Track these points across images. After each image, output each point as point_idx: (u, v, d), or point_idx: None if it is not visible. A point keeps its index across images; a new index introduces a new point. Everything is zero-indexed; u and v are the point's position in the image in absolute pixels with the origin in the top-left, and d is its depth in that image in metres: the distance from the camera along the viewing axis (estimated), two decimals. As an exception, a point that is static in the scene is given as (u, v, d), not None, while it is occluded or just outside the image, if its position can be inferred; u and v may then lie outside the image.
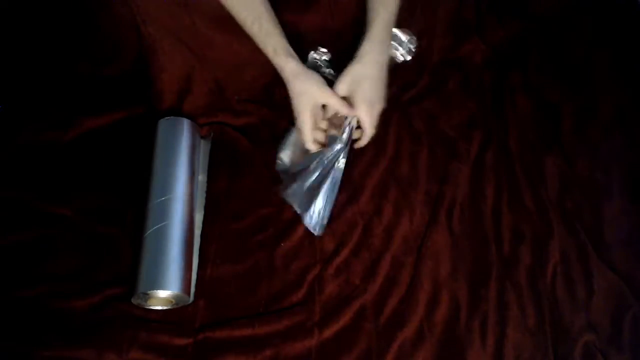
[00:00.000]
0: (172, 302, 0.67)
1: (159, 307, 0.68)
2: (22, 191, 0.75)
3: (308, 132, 0.74)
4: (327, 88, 0.74)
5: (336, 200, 0.75)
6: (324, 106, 0.76)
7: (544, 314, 0.68)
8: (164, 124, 0.79)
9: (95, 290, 0.67)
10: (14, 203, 0.74)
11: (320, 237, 0.73)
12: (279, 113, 0.84)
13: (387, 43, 0.78)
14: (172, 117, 0.79)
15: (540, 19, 0.93)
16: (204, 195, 0.77)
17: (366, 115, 0.73)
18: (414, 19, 0.90)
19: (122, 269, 0.70)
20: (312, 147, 0.74)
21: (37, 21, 0.90)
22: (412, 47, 0.86)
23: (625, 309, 0.69)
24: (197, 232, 0.73)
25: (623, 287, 0.70)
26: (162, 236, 0.69)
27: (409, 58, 0.87)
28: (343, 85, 0.74)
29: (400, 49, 0.86)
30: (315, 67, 0.85)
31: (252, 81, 0.85)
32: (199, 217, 0.74)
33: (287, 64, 0.74)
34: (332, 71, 0.83)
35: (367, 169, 0.80)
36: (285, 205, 0.76)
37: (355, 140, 0.77)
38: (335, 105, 0.74)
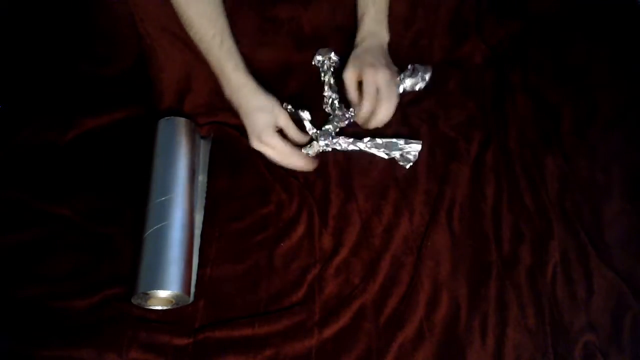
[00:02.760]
0: (172, 302, 0.67)
1: (159, 307, 0.68)
2: (21, 191, 0.75)
3: (281, 145, 0.74)
4: (286, 112, 0.76)
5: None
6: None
7: (544, 314, 0.68)
8: (163, 124, 0.78)
9: (95, 290, 0.67)
10: (14, 203, 0.74)
11: (319, 237, 0.73)
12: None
13: (382, 30, 0.80)
14: (171, 117, 0.79)
15: (540, 18, 0.93)
16: (204, 195, 0.77)
17: (375, 77, 0.74)
18: (414, 18, 0.90)
19: (122, 269, 0.70)
20: (291, 161, 0.75)
21: (36, 21, 0.90)
22: (427, 75, 0.85)
23: (625, 309, 0.69)
24: (197, 232, 0.73)
25: (623, 287, 0.70)
26: (162, 236, 0.69)
27: (417, 88, 0.86)
28: (349, 72, 0.74)
29: (412, 78, 0.85)
30: (320, 69, 0.85)
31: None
32: (199, 218, 0.74)
33: (248, 81, 0.75)
34: (331, 79, 0.83)
35: (367, 168, 0.80)
36: (285, 205, 0.76)
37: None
38: (293, 132, 0.75)
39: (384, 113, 0.77)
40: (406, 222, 0.75)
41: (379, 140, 0.79)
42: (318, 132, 0.79)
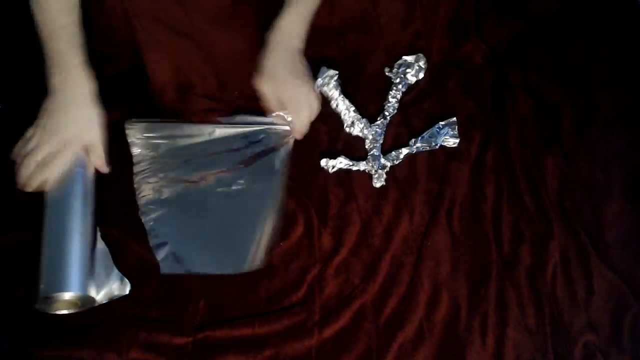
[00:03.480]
0: (77, 304, 0.66)
1: (64, 311, 0.66)
2: (21, 191, 0.75)
3: (58, 170, 0.68)
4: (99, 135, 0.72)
5: None
6: None
7: (544, 314, 0.68)
8: None
9: (95, 290, 0.67)
10: (14, 203, 0.74)
11: (319, 237, 0.73)
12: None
13: (299, 33, 0.78)
14: None
15: (540, 18, 0.93)
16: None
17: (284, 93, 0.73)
18: (414, 18, 0.90)
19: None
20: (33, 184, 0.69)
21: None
22: (421, 63, 0.87)
23: (625, 309, 0.69)
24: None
25: (623, 287, 0.70)
26: (56, 237, 0.67)
27: (421, 76, 0.87)
28: (263, 86, 0.74)
29: (409, 70, 0.86)
30: (328, 93, 0.84)
31: (251, 75, 0.85)
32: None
33: (81, 73, 0.71)
34: (345, 100, 0.83)
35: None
36: (284, 203, 0.76)
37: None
38: (101, 158, 0.72)
39: (301, 120, 0.76)
40: (406, 222, 0.75)
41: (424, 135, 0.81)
42: (373, 165, 0.79)
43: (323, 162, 0.79)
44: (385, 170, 0.78)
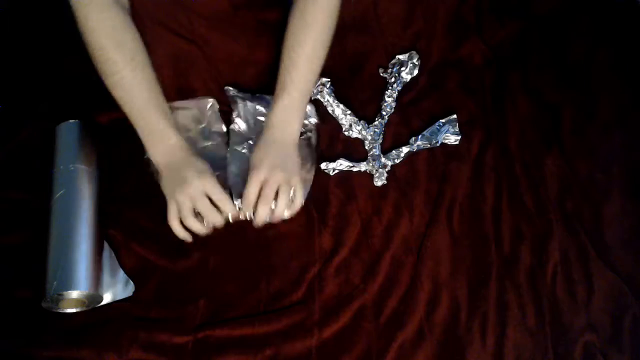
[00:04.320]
0: (84, 302, 0.66)
1: (72, 310, 0.67)
2: (22, 191, 0.75)
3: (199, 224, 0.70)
4: (213, 176, 0.72)
5: None
6: None
7: (544, 314, 0.68)
8: (61, 129, 0.77)
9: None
10: (14, 203, 0.74)
11: (319, 237, 0.73)
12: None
13: (291, 123, 0.75)
14: (67, 121, 0.77)
15: (540, 19, 0.93)
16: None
17: (262, 179, 0.70)
18: (414, 19, 0.90)
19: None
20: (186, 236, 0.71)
21: (36, 21, 0.90)
22: (414, 61, 0.87)
23: (625, 309, 0.69)
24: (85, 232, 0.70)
25: (623, 287, 0.70)
26: (63, 237, 0.68)
27: (416, 72, 0.87)
28: (251, 175, 0.71)
29: (404, 69, 0.87)
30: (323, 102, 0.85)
31: (251, 80, 0.85)
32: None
33: (181, 140, 0.72)
34: (339, 105, 0.84)
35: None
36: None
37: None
38: (224, 200, 0.71)
39: (259, 214, 0.71)
40: (406, 222, 0.75)
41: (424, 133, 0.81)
42: (373, 165, 0.79)
43: (323, 165, 0.79)
44: (387, 170, 0.78)
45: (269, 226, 0.74)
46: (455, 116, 0.82)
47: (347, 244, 0.73)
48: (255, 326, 0.66)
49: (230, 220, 0.72)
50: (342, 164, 0.79)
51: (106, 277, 0.69)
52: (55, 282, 0.64)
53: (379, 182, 0.78)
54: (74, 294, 0.64)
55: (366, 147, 0.81)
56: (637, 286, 0.70)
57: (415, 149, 0.80)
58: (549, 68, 0.89)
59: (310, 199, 0.76)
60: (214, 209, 0.71)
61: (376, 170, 0.78)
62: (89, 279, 0.66)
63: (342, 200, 0.76)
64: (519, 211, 0.76)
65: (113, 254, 0.71)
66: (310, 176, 0.78)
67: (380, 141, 0.81)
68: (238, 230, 0.74)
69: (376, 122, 0.83)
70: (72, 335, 0.65)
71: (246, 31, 0.81)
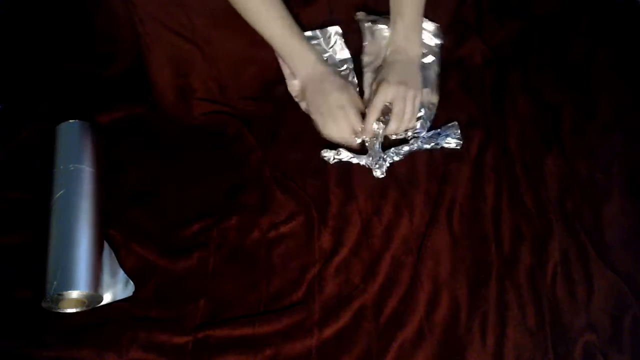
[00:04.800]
0: (84, 302, 0.66)
1: (71, 310, 0.66)
2: (22, 191, 0.75)
3: (361, 121, 0.80)
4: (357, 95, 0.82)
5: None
6: None
7: (544, 314, 0.68)
8: (62, 129, 0.77)
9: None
10: (14, 203, 0.74)
11: (319, 236, 0.73)
12: (280, 110, 0.84)
13: (410, 45, 0.83)
14: (69, 121, 0.77)
15: (540, 19, 0.93)
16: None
17: (389, 95, 0.78)
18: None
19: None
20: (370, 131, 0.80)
21: (36, 21, 0.90)
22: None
23: (625, 309, 0.69)
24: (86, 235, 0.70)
25: (623, 287, 0.70)
26: (64, 237, 0.68)
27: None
28: (377, 94, 0.79)
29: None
30: None
31: (252, 78, 0.85)
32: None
33: (324, 64, 0.81)
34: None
35: (367, 168, 0.80)
36: (283, 204, 0.76)
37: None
38: (369, 115, 0.79)
39: (391, 128, 0.81)
40: (406, 222, 0.75)
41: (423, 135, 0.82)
42: (373, 159, 0.80)
43: (323, 152, 0.79)
44: (387, 162, 0.79)
45: (269, 226, 0.74)
46: (456, 123, 0.82)
47: (347, 244, 0.73)
48: (255, 326, 0.66)
49: (364, 136, 0.80)
50: (342, 154, 0.79)
51: (106, 277, 0.68)
52: (55, 282, 0.64)
53: (378, 172, 0.78)
54: (74, 294, 0.64)
55: (366, 143, 0.81)
56: (637, 286, 0.70)
57: (415, 148, 0.80)
58: (549, 68, 0.89)
59: (310, 199, 0.76)
60: (351, 121, 0.80)
61: (376, 163, 0.78)
62: (89, 279, 0.66)
63: (342, 200, 0.76)
64: (519, 211, 0.76)
65: (113, 254, 0.71)
66: (435, 100, 0.84)
67: (381, 139, 0.81)
68: (238, 231, 0.74)
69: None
70: (72, 335, 0.65)
71: (247, 29, 0.81)
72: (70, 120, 0.77)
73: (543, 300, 0.69)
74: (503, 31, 0.93)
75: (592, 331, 0.67)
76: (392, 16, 0.83)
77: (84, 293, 0.65)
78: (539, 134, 0.83)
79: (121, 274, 0.69)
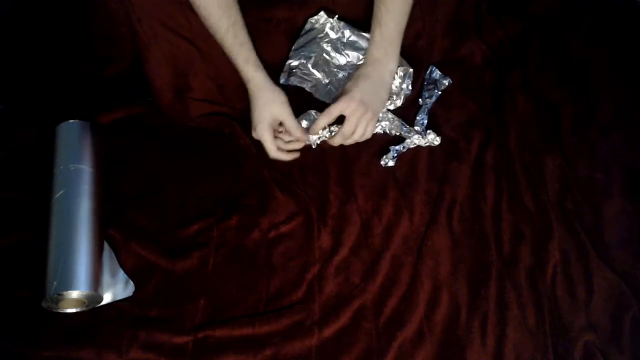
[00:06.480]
0: (84, 302, 0.66)
1: (71, 310, 0.67)
2: (22, 191, 0.75)
3: (269, 141, 0.77)
4: (288, 107, 0.77)
5: None
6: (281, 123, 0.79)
7: (544, 314, 0.68)
8: (62, 129, 0.77)
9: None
10: (14, 203, 0.74)
11: (319, 236, 0.73)
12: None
13: (384, 58, 0.79)
14: (69, 121, 0.77)
15: (540, 19, 0.94)
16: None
17: (348, 110, 0.75)
18: (414, 19, 0.90)
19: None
20: (277, 156, 0.78)
21: (36, 21, 0.90)
22: (401, 73, 0.85)
23: (625, 309, 0.69)
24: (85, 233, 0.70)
25: (623, 287, 0.70)
26: (63, 237, 0.68)
27: (405, 86, 0.86)
28: (339, 104, 0.76)
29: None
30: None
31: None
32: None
33: (256, 76, 0.77)
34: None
35: (367, 168, 0.80)
36: (283, 204, 0.76)
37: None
38: (290, 127, 0.77)
39: (335, 140, 0.79)
40: (406, 222, 0.75)
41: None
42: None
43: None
44: (396, 150, 0.80)
45: (269, 226, 0.74)
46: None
47: (347, 243, 0.73)
48: (255, 326, 0.66)
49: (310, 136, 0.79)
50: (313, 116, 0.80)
51: (106, 277, 0.68)
52: (55, 282, 0.64)
53: (390, 162, 0.79)
54: (74, 294, 0.64)
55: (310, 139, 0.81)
56: (637, 286, 0.70)
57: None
58: (549, 68, 0.89)
59: (310, 199, 0.76)
60: (267, 145, 0.77)
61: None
62: (89, 279, 0.66)
63: (342, 200, 0.76)
64: (519, 211, 0.76)
65: (113, 254, 0.71)
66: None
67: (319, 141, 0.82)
68: (238, 231, 0.74)
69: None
70: (72, 335, 0.65)
71: (248, 29, 0.81)
72: (70, 120, 0.77)
73: (543, 300, 0.69)
74: (503, 31, 0.93)
75: (592, 331, 0.67)
76: (373, 26, 0.79)
77: (84, 293, 0.65)
78: (538, 133, 0.83)
79: (121, 274, 0.69)
